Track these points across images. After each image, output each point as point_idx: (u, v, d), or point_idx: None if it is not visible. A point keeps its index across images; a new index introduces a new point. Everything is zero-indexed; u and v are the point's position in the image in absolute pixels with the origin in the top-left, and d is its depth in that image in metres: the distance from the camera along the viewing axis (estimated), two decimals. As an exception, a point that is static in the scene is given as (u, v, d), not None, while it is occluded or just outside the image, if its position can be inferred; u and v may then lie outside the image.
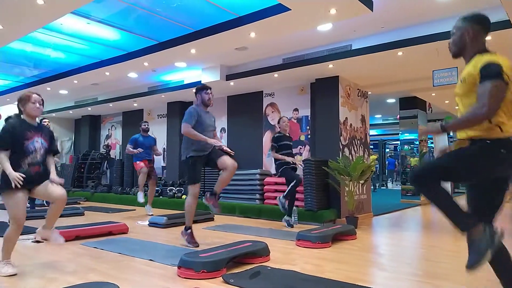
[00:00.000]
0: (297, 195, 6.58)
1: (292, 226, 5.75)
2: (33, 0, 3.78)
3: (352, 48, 5.63)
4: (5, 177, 3.01)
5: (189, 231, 4.37)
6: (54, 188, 3.24)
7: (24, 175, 3.01)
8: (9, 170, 2.99)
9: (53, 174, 3.30)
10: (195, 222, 5.81)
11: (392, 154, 23.07)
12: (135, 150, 6.62)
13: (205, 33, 4.94)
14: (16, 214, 3.06)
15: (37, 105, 3.22)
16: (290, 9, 4.04)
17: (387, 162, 18.59)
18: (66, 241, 4.56)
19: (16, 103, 3.25)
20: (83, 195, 10.25)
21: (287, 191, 5.80)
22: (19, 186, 2.97)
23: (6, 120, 3.34)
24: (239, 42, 5.31)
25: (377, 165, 16.73)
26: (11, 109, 11.24)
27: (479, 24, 2.10)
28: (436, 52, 5.16)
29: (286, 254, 4.02)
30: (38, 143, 3.21)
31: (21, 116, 3.25)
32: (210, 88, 4.46)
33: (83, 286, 2.47)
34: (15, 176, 2.95)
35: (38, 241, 4.59)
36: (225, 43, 5.23)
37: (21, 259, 3.78)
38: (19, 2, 3.86)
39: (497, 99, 1.89)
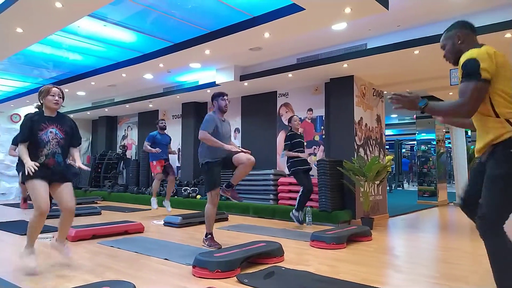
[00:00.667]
0: (312, 196, 6.57)
1: (301, 223, 5.76)
2: (52, 3, 3.87)
3: (367, 48, 5.57)
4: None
5: (209, 236, 4.38)
6: (66, 196, 3.27)
7: (39, 165, 3.11)
8: (26, 159, 3.11)
9: (78, 162, 3.41)
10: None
11: (409, 154, 22.75)
12: (153, 150, 6.60)
13: (219, 34, 4.96)
14: (37, 202, 3.12)
15: (56, 97, 3.27)
16: (304, 9, 4.03)
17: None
18: (84, 240, 4.70)
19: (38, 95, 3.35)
20: (100, 194, 10.43)
21: (297, 203, 5.83)
22: (31, 173, 3.04)
23: (26, 115, 3.39)
24: (253, 43, 5.32)
25: (393, 166, 16.50)
26: (31, 110, 11.51)
27: (465, 28, 2.20)
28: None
29: (300, 255, 4.00)
30: (52, 133, 3.26)
31: (42, 109, 3.33)
32: (227, 94, 4.46)
33: (100, 284, 2.51)
34: (30, 165, 3.04)
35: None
36: (239, 43, 5.24)
37: (40, 257, 3.86)
38: (38, 6, 3.95)
39: (477, 99, 1.97)
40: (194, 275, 3.17)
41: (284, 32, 4.72)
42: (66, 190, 3.28)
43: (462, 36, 2.18)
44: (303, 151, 6.00)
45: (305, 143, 6.08)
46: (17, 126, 11.33)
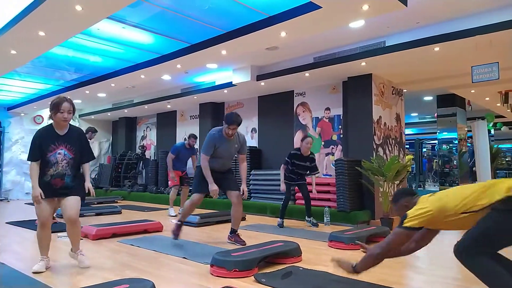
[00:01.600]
0: (329, 196, 6.52)
1: (316, 226, 5.78)
2: (72, 7, 3.95)
3: (386, 45, 5.48)
4: None
5: (179, 223, 4.61)
6: (67, 206, 3.25)
7: (46, 189, 3.16)
8: (34, 184, 3.14)
9: (87, 181, 3.36)
10: (226, 222, 5.89)
11: (430, 153, 22.24)
12: (171, 174, 6.92)
13: (235, 34, 4.97)
14: (40, 216, 3.22)
15: (65, 114, 3.17)
16: (321, 7, 3.99)
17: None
18: (104, 238, 4.79)
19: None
20: (120, 194, 10.61)
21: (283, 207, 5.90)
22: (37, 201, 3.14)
23: (38, 131, 3.30)
24: (269, 42, 5.31)
25: (413, 165, 16.18)
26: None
27: (407, 195, 2.54)
28: (475, 47, 4.94)
29: (318, 255, 3.97)
30: (60, 155, 3.21)
31: (52, 124, 3.27)
32: (237, 124, 4.26)
33: (119, 282, 2.55)
34: (37, 194, 3.12)
35: (78, 238, 4.80)
36: (256, 43, 5.23)
37: (62, 255, 3.95)
38: (60, 9, 4.05)
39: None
40: (212, 274, 3.19)
41: (300, 31, 4.70)
42: (69, 201, 3.26)
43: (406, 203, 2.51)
44: (301, 174, 5.89)
45: (307, 165, 5.84)
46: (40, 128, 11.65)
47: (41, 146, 3.16)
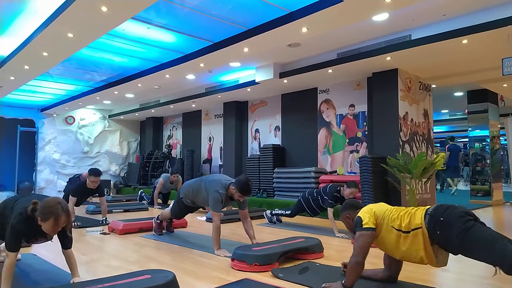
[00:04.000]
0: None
1: (274, 223, 5.72)
2: (98, 8, 4.09)
3: (412, 39, 5.34)
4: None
5: (159, 221, 4.87)
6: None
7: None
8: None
9: (75, 278, 2.71)
10: (251, 218, 5.91)
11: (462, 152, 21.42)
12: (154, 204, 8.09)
13: (257, 31, 4.98)
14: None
15: (54, 228, 2.51)
16: (342, 0, 3.94)
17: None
18: (131, 233, 4.91)
19: (39, 208, 2.51)
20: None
21: (278, 210, 5.70)
22: None
23: (18, 219, 2.53)
24: (291, 39, 5.28)
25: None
26: (83, 113, 12.23)
27: (350, 209, 2.75)
28: (506, 38, 4.74)
29: (341, 252, 3.92)
30: (42, 240, 2.77)
31: (34, 221, 2.52)
32: (245, 195, 3.93)
33: (142, 273, 2.62)
34: None
35: (105, 233, 4.96)
36: (277, 40, 5.22)
37: (90, 248, 4.10)
38: (86, 10, 4.19)
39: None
40: (233, 268, 3.22)
41: (322, 26, 4.65)
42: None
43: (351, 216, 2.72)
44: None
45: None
46: (72, 128, 12.14)
47: (20, 237, 2.57)
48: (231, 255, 3.39)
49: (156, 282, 2.40)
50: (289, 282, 2.83)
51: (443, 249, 2.37)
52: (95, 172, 5.43)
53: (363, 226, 2.50)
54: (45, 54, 5.71)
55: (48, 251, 3.83)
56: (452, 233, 2.24)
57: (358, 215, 2.60)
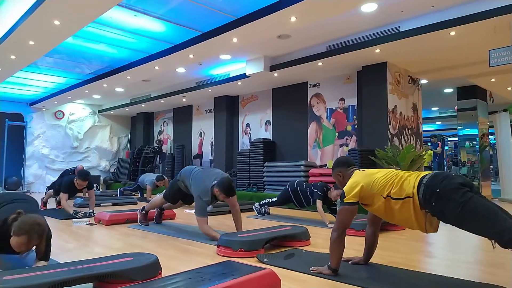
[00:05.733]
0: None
1: (263, 215, 5.71)
2: (84, -6, 4.04)
3: (400, 30, 5.36)
4: None
5: (144, 212, 4.79)
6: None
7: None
8: None
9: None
10: (241, 211, 5.89)
11: (453, 151, 21.58)
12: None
13: (245, 20, 4.95)
14: None
15: (22, 247, 2.41)
16: (331, -11, 3.94)
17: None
18: (118, 224, 4.86)
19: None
20: (129, 185, 10.74)
21: (265, 202, 5.69)
22: None
23: None
24: (280, 29, 5.26)
25: (434, 162, 15.80)
26: (73, 108, 12.10)
27: (342, 166, 2.73)
28: (493, 30, 4.77)
29: (328, 240, 3.90)
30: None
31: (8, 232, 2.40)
32: (229, 196, 3.91)
33: (123, 255, 2.58)
34: None
35: (91, 224, 4.90)
36: (266, 30, 5.20)
37: (74, 237, 4.05)
38: (72, -3, 4.14)
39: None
40: (218, 254, 3.20)
41: (311, 15, 4.64)
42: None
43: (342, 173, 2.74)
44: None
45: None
46: (61, 123, 12.00)
47: None
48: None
49: (137, 264, 2.37)
50: (274, 267, 2.81)
51: (436, 217, 2.30)
52: (82, 176, 5.45)
53: (345, 201, 2.50)
54: (31, 43, 5.63)
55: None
56: (449, 206, 2.15)
57: (344, 189, 2.55)
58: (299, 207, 5.46)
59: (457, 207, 2.11)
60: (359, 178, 2.52)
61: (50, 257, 2.76)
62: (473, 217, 2.10)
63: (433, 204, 2.21)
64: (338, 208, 2.58)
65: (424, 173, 2.37)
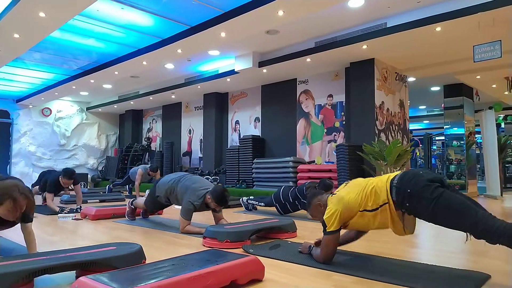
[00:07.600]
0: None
1: (250, 210, 5.66)
2: (70, -15, 3.99)
3: (387, 26, 5.41)
4: None
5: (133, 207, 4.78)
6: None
7: None
8: None
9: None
10: (228, 207, 5.89)
11: (441, 150, 21.83)
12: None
13: (233, 14, 4.95)
14: None
15: (14, 213, 2.37)
16: (317, -17, 3.96)
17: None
18: (104, 219, 4.82)
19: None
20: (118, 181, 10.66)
21: (260, 199, 5.64)
22: None
23: None
24: (268, 23, 5.26)
25: (422, 163, 15.99)
26: (60, 105, 11.96)
27: (319, 194, 2.72)
28: (477, 26, 4.84)
29: (314, 233, 3.93)
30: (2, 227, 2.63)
31: None
32: (221, 205, 3.87)
33: (107, 245, 2.56)
34: None
35: (77, 219, 4.85)
36: (254, 24, 5.20)
37: (61, 230, 4.01)
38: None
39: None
40: (204, 245, 3.19)
41: (298, 9, 4.65)
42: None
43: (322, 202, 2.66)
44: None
45: None
46: (48, 120, 11.83)
47: None
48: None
49: (120, 252, 2.35)
50: (259, 257, 2.81)
51: (413, 215, 2.34)
52: (67, 175, 5.42)
53: (328, 230, 2.47)
54: (16, 36, 5.55)
55: (17, 235, 3.72)
56: (421, 204, 2.19)
57: (324, 218, 2.49)
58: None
59: (429, 204, 2.15)
60: (334, 206, 2.48)
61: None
62: (445, 213, 2.14)
63: (407, 204, 2.26)
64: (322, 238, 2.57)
65: (392, 174, 2.40)
